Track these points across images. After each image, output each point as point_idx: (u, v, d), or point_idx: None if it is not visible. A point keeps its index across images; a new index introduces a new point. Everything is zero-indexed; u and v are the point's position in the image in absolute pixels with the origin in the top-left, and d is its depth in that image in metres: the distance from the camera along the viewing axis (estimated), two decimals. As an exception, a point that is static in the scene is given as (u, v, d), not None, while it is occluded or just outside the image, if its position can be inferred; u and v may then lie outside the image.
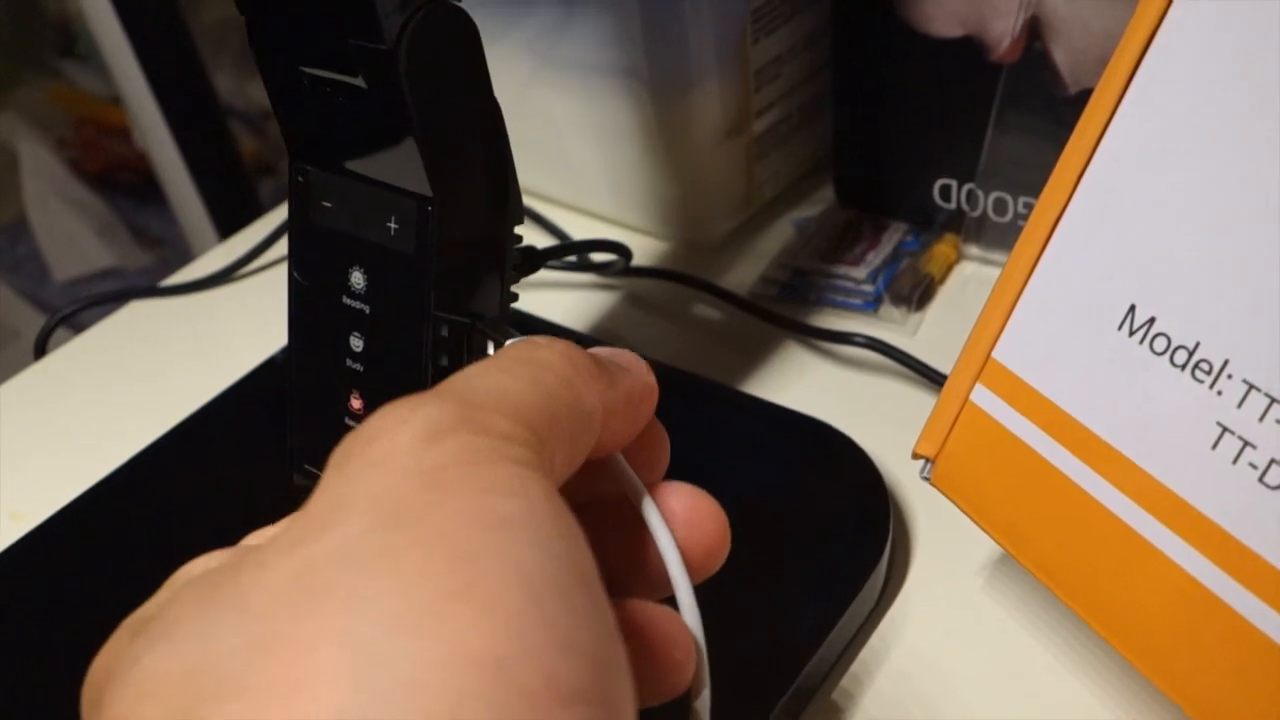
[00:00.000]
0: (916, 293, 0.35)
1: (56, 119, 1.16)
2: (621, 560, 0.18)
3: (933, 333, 0.35)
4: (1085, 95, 0.31)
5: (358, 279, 0.26)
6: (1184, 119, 0.20)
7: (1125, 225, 0.21)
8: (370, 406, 0.26)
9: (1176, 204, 0.20)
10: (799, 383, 0.34)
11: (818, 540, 0.28)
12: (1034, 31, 0.31)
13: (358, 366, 0.26)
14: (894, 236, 0.37)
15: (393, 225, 0.25)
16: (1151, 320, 0.20)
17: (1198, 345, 0.19)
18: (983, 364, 0.23)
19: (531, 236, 0.39)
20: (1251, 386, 0.18)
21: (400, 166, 0.24)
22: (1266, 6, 0.19)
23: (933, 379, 0.32)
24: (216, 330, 0.40)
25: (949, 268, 0.37)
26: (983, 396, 0.23)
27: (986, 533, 0.23)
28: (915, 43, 0.33)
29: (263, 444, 0.35)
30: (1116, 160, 0.21)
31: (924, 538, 0.29)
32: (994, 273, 0.36)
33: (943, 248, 0.37)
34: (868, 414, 0.32)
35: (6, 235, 1.08)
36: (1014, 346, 0.22)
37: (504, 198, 0.26)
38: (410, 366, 0.25)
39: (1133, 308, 0.20)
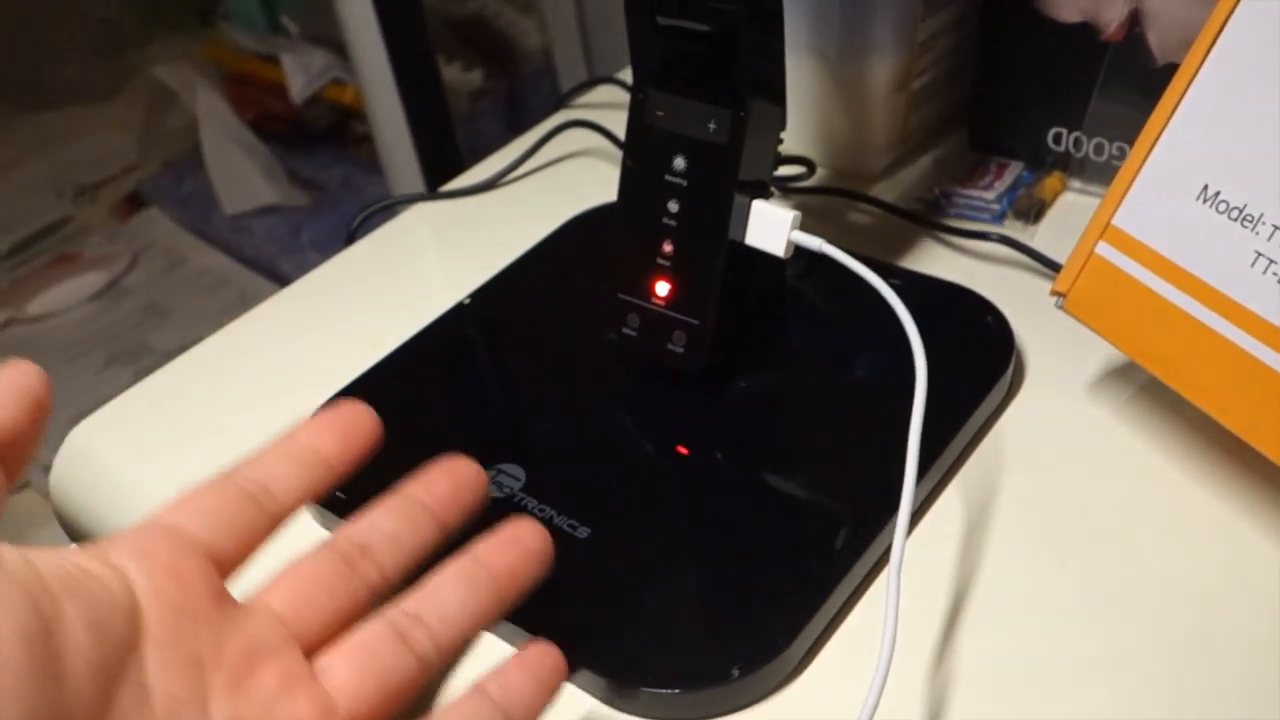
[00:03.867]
0: (1032, 211, 0.48)
1: (214, 73, 1.30)
2: None
3: (1043, 240, 0.47)
4: (1170, 68, 0.43)
5: (679, 163, 0.38)
6: (1246, 67, 0.32)
7: (1203, 134, 0.33)
8: (678, 251, 0.39)
9: (1235, 117, 0.32)
10: (943, 269, 0.46)
11: (964, 356, 0.40)
12: (1134, 19, 0.44)
13: (672, 223, 0.39)
14: (1014, 171, 0.50)
15: (712, 125, 0.37)
16: (1218, 193, 0.32)
17: (1246, 203, 0.31)
18: (1104, 228, 0.35)
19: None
20: (1277, 226, 0.31)
21: (721, 89, 0.37)
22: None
23: (1047, 264, 0.44)
24: (491, 221, 0.53)
25: (1056, 196, 0.49)
26: (1104, 249, 0.35)
27: (1106, 339, 0.36)
28: (1044, 25, 0.46)
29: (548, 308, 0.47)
30: (1197, 95, 0.34)
31: (1034, 371, 0.41)
32: (1092, 201, 0.49)
33: (1052, 181, 0.49)
34: (995, 288, 0.44)
35: (172, 174, 1.22)
36: (1128, 214, 0.35)
37: (780, 111, 0.38)
38: (718, 221, 0.37)
39: (1205, 185, 0.33)
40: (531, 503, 0.37)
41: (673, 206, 0.39)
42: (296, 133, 1.21)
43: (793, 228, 0.37)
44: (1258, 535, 0.34)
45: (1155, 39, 0.43)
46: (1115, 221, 0.35)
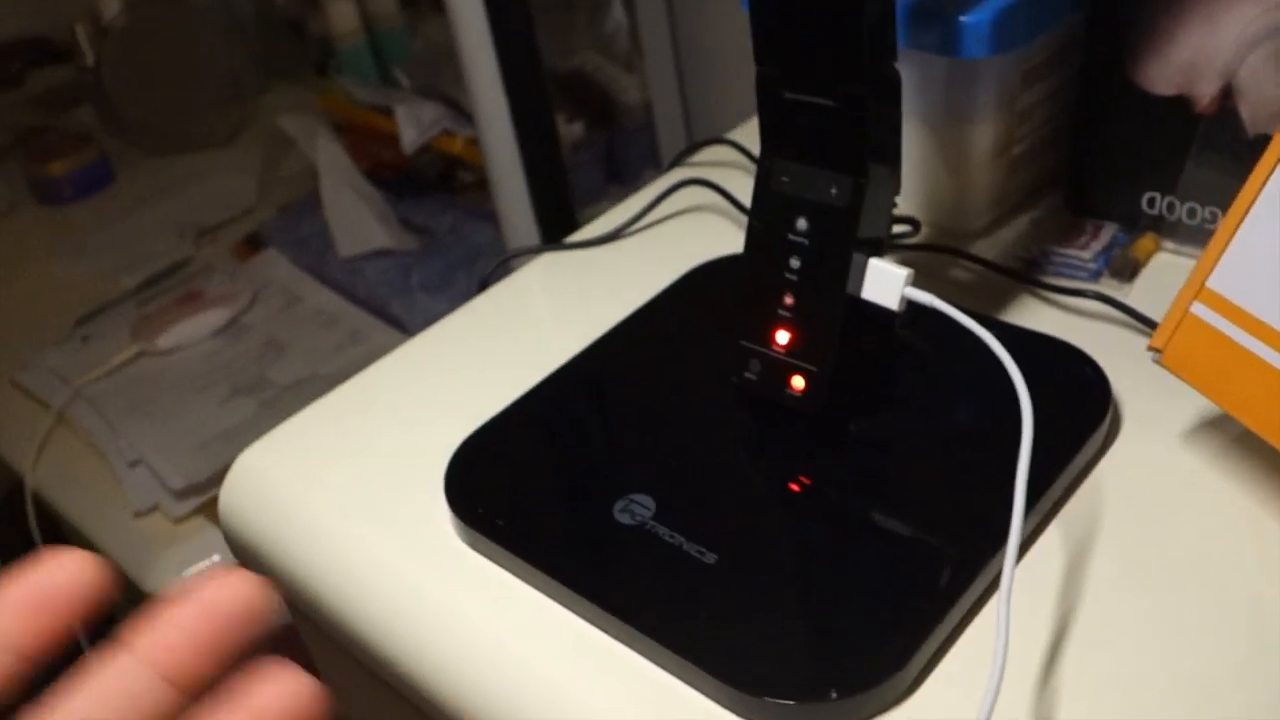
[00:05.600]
0: (1127, 270, 0.51)
1: (330, 122, 1.37)
2: None
3: (1138, 298, 0.50)
4: (1261, 138, 0.46)
5: (801, 223, 0.42)
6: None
7: (1293, 210, 0.36)
8: (799, 303, 0.43)
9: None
10: (1041, 323, 0.49)
11: (1064, 406, 0.43)
12: (1226, 94, 0.47)
13: (793, 278, 0.42)
14: (1109, 232, 0.53)
15: (834, 190, 0.41)
16: (1307, 260, 0.35)
17: (1334, 271, 0.34)
18: (1199, 289, 0.38)
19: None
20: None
21: (843, 156, 0.40)
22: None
23: (1142, 320, 0.47)
24: (612, 271, 0.58)
25: (1150, 256, 0.52)
26: (1199, 310, 0.38)
27: (1201, 392, 0.39)
28: (1140, 97, 0.49)
29: (660, 355, 0.51)
30: (1288, 173, 0.37)
31: (1128, 421, 0.44)
32: (1184, 261, 0.51)
33: (1145, 242, 0.52)
34: (1093, 342, 0.47)
35: (290, 217, 1.29)
36: (1222, 277, 0.38)
37: (897, 175, 0.42)
38: (838, 277, 0.41)
39: (1296, 253, 0.35)
40: (662, 530, 0.40)
41: (794, 263, 0.42)
42: (406, 180, 1.27)
43: (906, 284, 0.41)
44: (1345, 578, 0.37)
45: (1247, 112, 0.46)
46: (1209, 284, 0.38)
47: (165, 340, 1.12)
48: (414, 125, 1.23)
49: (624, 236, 0.60)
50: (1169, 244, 0.52)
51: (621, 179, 1.24)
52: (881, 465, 0.43)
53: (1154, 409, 0.44)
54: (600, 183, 1.22)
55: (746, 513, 0.42)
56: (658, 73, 1.13)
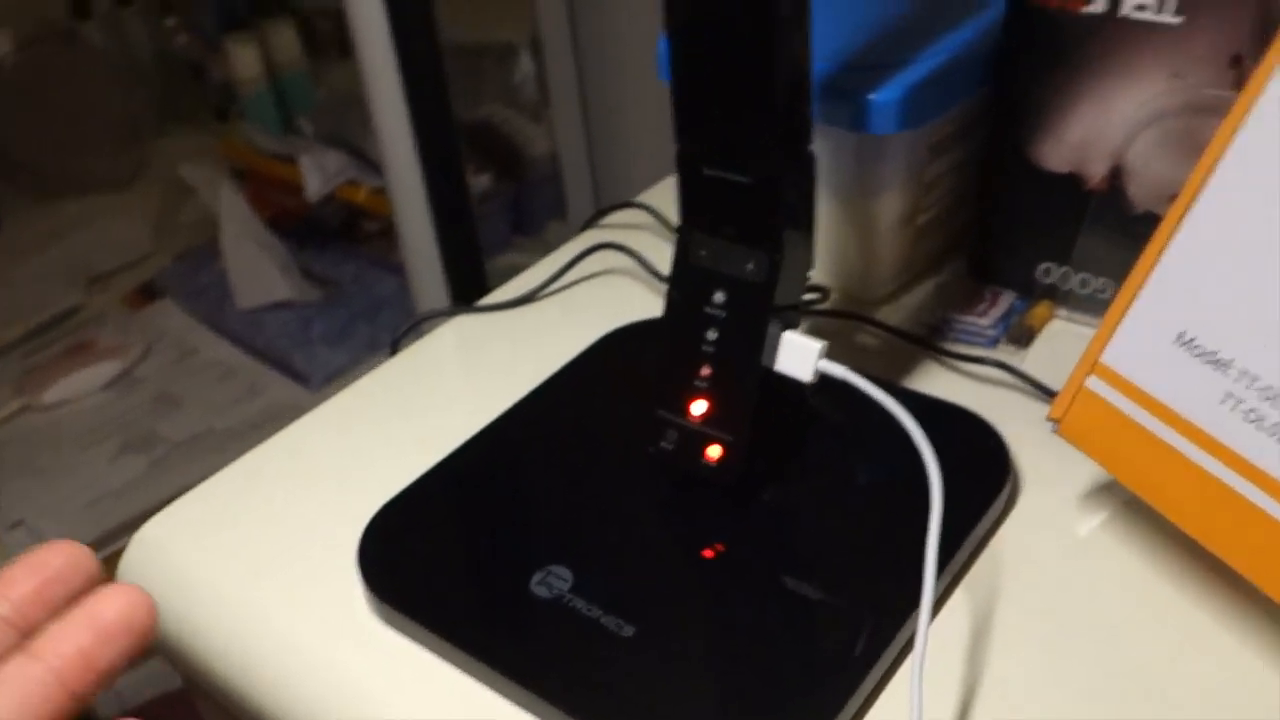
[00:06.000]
0: (1023, 337, 0.53)
1: (230, 169, 1.35)
2: None
3: (1033, 363, 0.52)
4: (1147, 215, 0.49)
5: (719, 296, 0.43)
6: (1216, 236, 0.37)
7: (1180, 288, 0.38)
8: (715, 374, 0.43)
9: (1208, 274, 0.37)
10: (943, 388, 0.51)
11: (967, 475, 0.44)
12: (1115, 173, 0.49)
13: (710, 349, 0.43)
14: (1007, 300, 0.55)
15: (750, 266, 0.42)
16: (1193, 339, 0.37)
17: (1217, 350, 0.36)
18: (1093, 364, 0.40)
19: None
20: (1244, 371, 0.35)
21: (759, 233, 0.41)
22: None
23: (1038, 388, 0.49)
24: (526, 334, 0.58)
25: (1045, 323, 0.54)
26: (1093, 383, 0.40)
27: (1096, 461, 0.40)
28: (1036, 173, 0.51)
29: (575, 420, 0.51)
30: (1173, 255, 0.39)
31: (1027, 486, 0.46)
32: (1077, 329, 0.54)
33: (1041, 309, 0.54)
34: (993, 408, 0.48)
35: (189, 264, 1.26)
36: (1114, 353, 0.39)
37: (809, 254, 0.43)
38: (753, 349, 0.42)
39: (1182, 332, 0.37)
40: (580, 603, 0.40)
41: (711, 335, 0.43)
42: (309, 229, 1.26)
43: (820, 357, 0.42)
44: (1224, 632, 0.39)
45: (1134, 190, 0.49)
46: (1103, 359, 0.40)
47: (52, 394, 1.09)
48: (318, 174, 1.22)
49: (538, 299, 0.60)
50: (1063, 311, 0.54)
51: (527, 230, 1.24)
52: (795, 534, 0.44)
53: (1051, 472, 0.46)
54: (506, 234, 1.22)
55: (664, 583, 0.42)
56: (565, 124, 1.14)
